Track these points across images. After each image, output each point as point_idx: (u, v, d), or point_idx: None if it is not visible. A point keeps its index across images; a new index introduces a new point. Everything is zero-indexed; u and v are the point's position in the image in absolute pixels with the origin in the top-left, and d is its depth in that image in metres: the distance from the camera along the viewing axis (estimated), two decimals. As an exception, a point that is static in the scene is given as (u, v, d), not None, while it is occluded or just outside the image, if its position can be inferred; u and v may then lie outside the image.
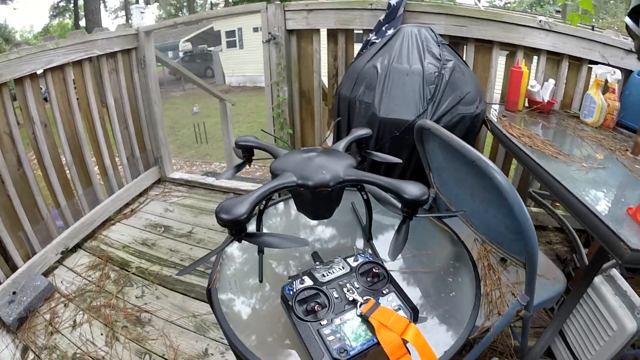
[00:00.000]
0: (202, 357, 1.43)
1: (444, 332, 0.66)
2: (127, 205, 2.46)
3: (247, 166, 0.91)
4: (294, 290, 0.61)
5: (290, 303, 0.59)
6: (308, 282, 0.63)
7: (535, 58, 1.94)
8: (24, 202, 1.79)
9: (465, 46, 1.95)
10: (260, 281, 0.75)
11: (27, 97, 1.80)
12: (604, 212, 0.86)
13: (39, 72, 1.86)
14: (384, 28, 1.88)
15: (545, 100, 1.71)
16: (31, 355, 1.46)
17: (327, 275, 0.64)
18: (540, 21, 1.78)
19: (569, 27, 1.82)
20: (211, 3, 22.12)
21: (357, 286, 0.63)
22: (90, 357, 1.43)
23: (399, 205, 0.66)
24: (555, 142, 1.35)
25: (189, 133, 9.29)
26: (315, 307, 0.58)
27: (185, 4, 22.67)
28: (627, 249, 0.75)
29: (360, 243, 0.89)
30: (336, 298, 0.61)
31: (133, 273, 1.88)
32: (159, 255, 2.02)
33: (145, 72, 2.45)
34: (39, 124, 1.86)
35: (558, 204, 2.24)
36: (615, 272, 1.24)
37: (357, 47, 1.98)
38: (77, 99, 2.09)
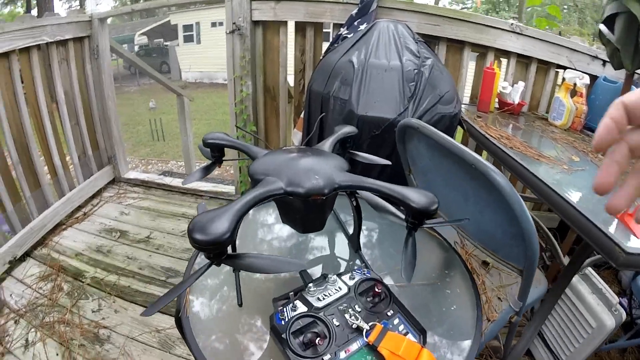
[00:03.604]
0: (168, 377, 1.31)
1: (453, 350, 0.60)
2: (79, 208, 2.24)
3: (217, 167, 0.80)
4: (286, 319, 0.51)
5: (283, 336, 0.49)
6: (301, 308, 0.53)
7: (504, 61, 1.96)
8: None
9: (437, 45, 1.93)
10: (240, 305, 0.64)
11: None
12: (594, 215, 0.84)
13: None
14: (356, 23, 1.81)
15: (516, 102, 1.73)
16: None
17: (323, 298, 0.55)
18: (511, 24, 1.80)
19: (538, 31, 1.85)
20: (168, -6, 21.18)
21: (359, 309, 0.55)
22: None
23: (402, 215, 0.59)
24: (531, 143, 1.35)
25: (144, 130, 8.82)
26: (317, 342, 0.49)
27: (142, -6, 21.58)
28: (621, 252, 0.73)
29: (346, 253, 0.81)
30: (337, 326, 0.52)
31: (88, 284, 1.69)
32: (115, 263, 1.84)
33: (98, 62, 2.23)
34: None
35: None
36: (590, 270, 1.26)
37: (325, 45, 1.90)
38: (25, 93, 1.85)
